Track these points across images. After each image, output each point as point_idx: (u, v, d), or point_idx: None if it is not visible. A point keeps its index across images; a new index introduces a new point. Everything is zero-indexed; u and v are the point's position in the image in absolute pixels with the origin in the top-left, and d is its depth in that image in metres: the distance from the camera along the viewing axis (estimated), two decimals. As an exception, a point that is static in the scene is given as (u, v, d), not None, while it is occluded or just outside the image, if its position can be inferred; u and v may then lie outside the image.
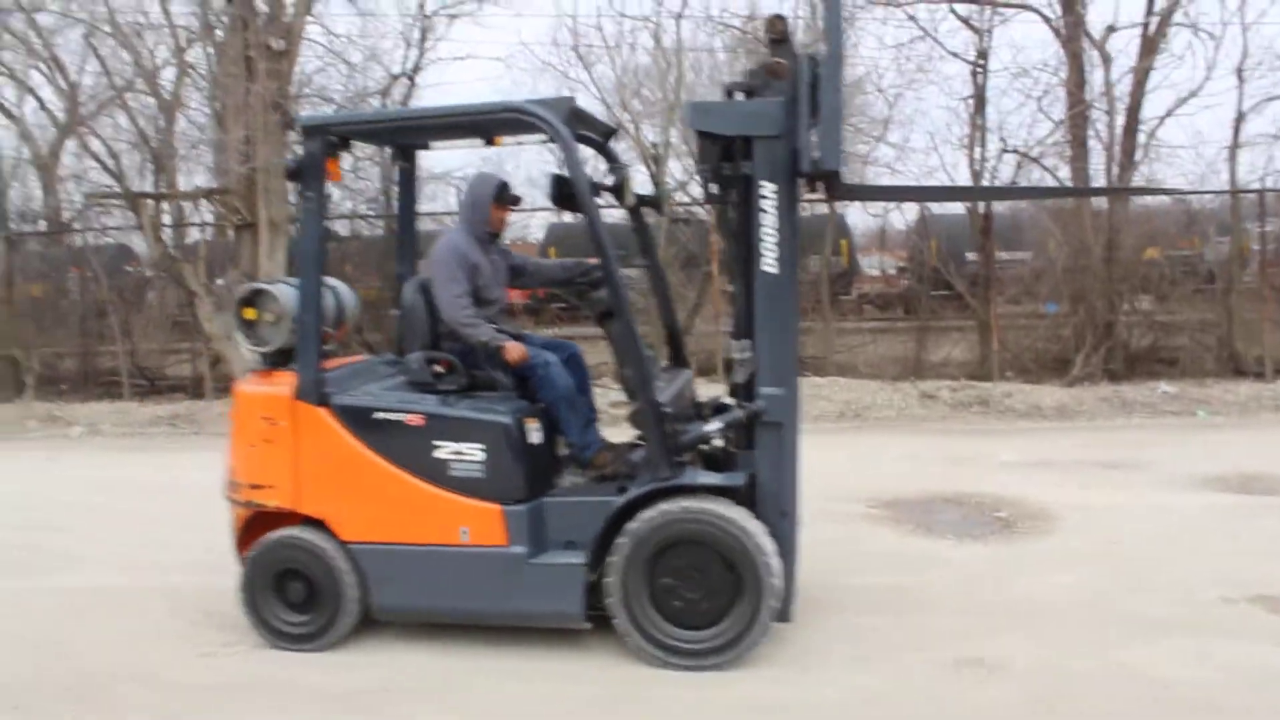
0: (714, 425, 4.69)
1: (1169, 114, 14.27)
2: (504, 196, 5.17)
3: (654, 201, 5.35)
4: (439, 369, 4.96)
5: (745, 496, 4.66)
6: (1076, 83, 14.43)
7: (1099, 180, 14.48)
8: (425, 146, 5.58)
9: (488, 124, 4.98)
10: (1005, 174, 14.55)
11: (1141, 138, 14.41)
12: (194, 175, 14.22)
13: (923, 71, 15.31)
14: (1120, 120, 14.39)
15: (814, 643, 4.84)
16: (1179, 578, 5.64)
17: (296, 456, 4.86)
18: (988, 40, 14.59)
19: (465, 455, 4.72)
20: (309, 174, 4.83)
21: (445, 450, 4.74)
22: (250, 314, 5.10)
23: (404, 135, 5.39)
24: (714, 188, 4.74)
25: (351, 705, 4.43)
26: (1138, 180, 14.53)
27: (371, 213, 15.41)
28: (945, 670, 4.53)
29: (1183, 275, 14.77)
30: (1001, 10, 14.80)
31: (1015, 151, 14.46)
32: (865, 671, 4.56)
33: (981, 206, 14.76)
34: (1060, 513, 7.03)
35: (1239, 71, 14.30)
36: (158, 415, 12.74)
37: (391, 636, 5.06)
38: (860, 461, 8.85)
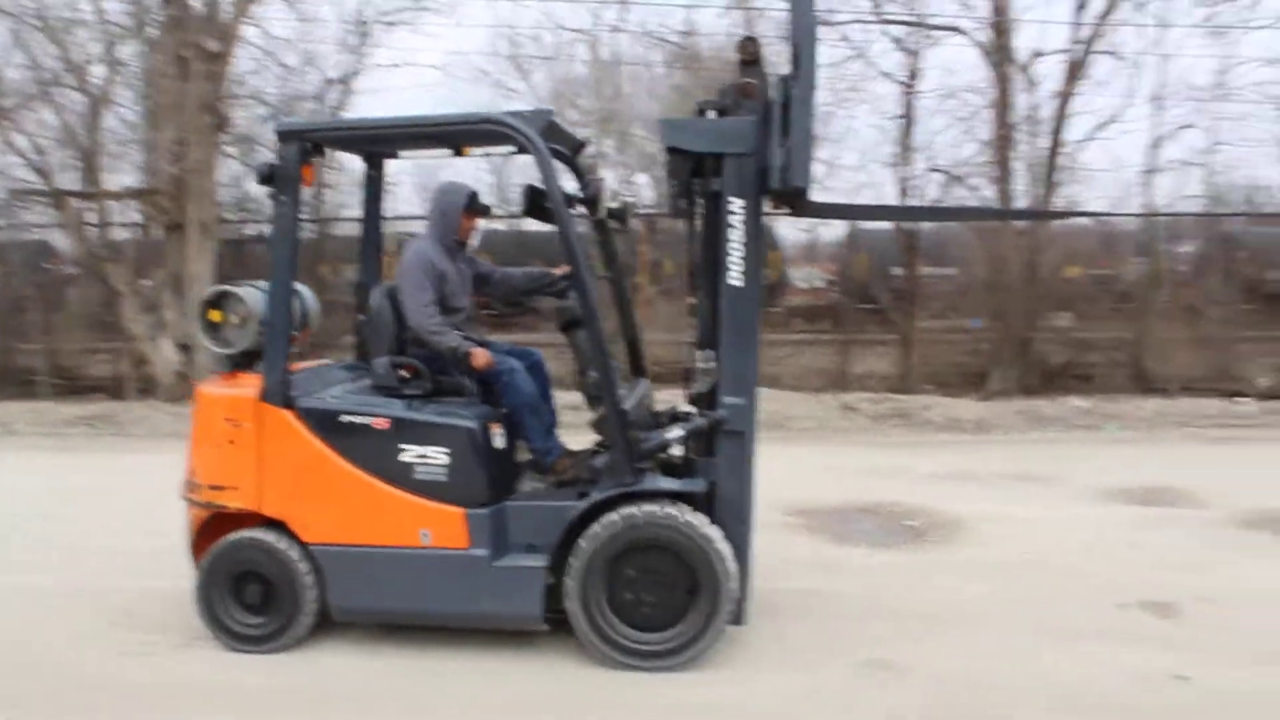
0: (676, 432, 4.85)
1: (1089, 138, 14.89)
2: (474, 206, 5.28)
3: (620, 214, 5.47)
4: (404, 374, 5.05)
5: (702, 502, 4.81)
6: (1003, 105, 14.80)
7: (1021, 201, 14.92)
8: (395, 155, 5.64)
9: (465, 134, 5.08)
10: (931, 193, 14.93)
11: (1064, 160, 14.86)
12: (122, 174, 13.98)
13: (854, 91, 15.73)
14: (1044, 143, 14.82)
15: (738, 645, 5.00)
16: (1082, 586, 5.93)
17: (260, 458, 4.90)
18: (918, 62, 15.01)
19: (429, 459, 4.81)
20: (283, 179, 4.88)
21: (410, 454, 4.82)
22: (216, 316, 5.14)
23: (380, 143, 5.44)
24: (683, 202, 4.90)
25: (279, 705, 4.52)
26: (1059, 201, 14.94)
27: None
28: (864, 672, 4.75)
29: (1099, 294, 15.28)
30: (932, 33, 15.20)
31: (941, 171, 14.87)
32: (790, 673, 4.74)
33: (907, 223, 15.15)
34: (971, 523, 7.28)
35: (1156, 99, 14.95)
36: (76, 415, 12.47)
37: (350, 639, 5.13)
38: (779, 471, 8.93)
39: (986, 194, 14.99)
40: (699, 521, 4.68)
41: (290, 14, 14.72)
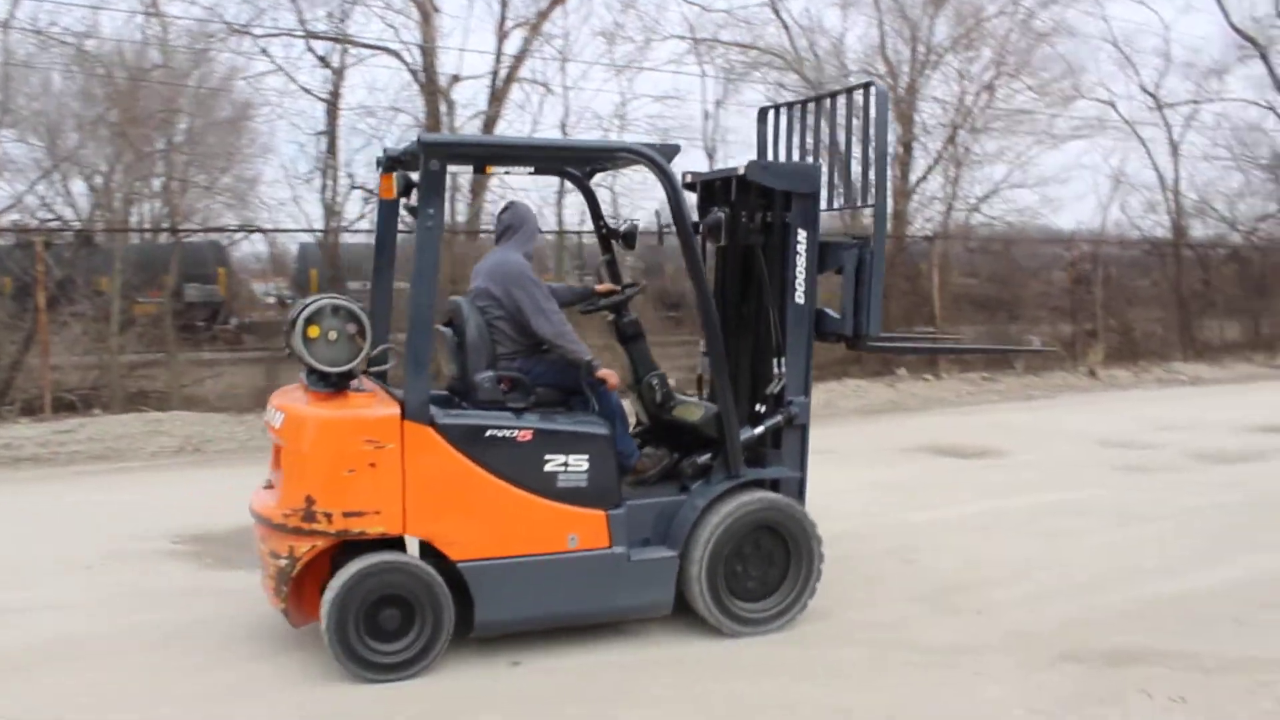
0: (760, 429, 5.72)
1: None
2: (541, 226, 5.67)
3: (629, 236, 6.06)
4: (503, 387, 5.34)
5: (769, 486, 5.77)
6: (432, 126, 15.85)
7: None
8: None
9: (604, 159, 5.47)
10: (353, 210, 15.84)
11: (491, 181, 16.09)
12: None
13: (271, 105, 16.43)
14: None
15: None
16: None
17: (404, 479, 4.94)
18: (343, 79, 15.86)
19: (571, 466, 5.24)
20: (428, 191, 4.96)
21: (553, 463, 5.21)
22: (313, 331, 4.99)
23: (515, 162, 5.51)
24: (756, 234, 5.83)
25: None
26: (486, 220, 15.97)
27: None
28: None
29: None
30: (358, 51, 16.08)
31: (363, 189, 15.72)
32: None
33: (330, 236, 15.71)
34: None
35: (563, 126, 17.23)
36: None
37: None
38: (184, 497, 9.07)
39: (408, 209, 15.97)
40: (795, 503, 5.66)
41: None
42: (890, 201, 19.33)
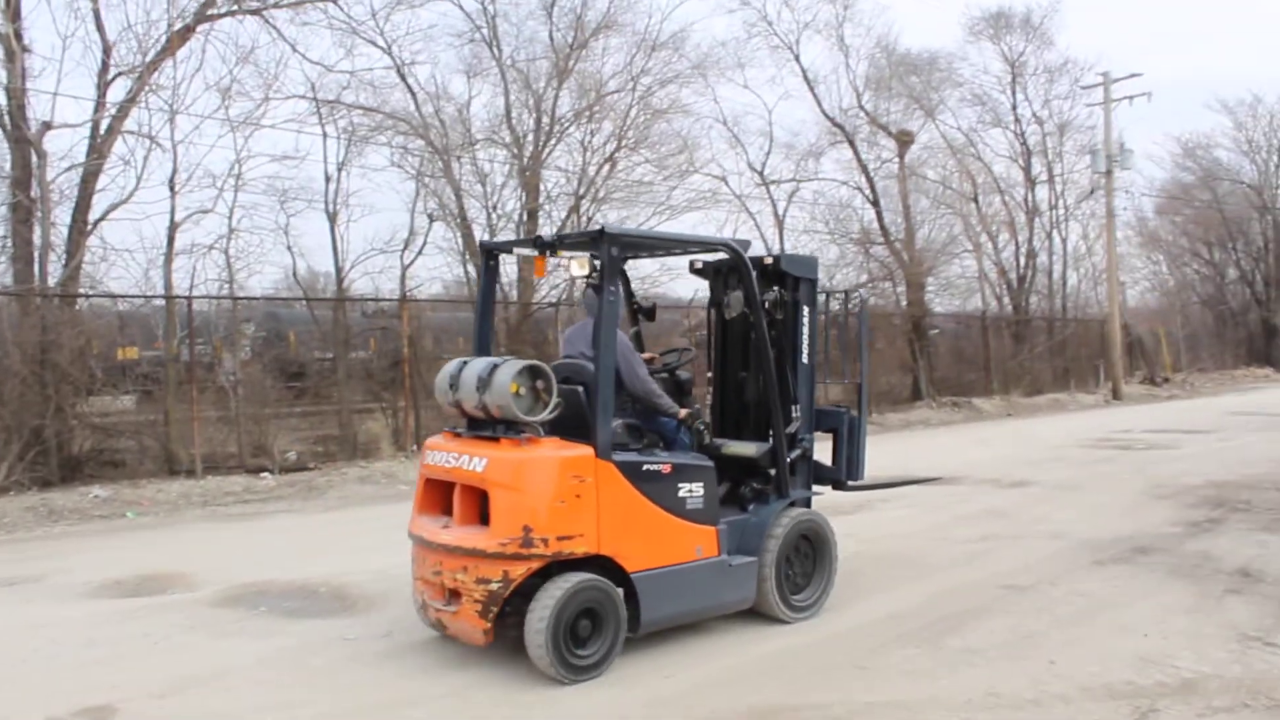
0: (789, 459, 7.51)
1: (103, 218, 16.42)
2: None
3: (649, 311, 7.78)
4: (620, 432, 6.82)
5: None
6: (21, 178, 15.41)
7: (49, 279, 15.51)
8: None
9: (705, 249, 7.07)
10: None
11: (88, 238, 16.08)
12: None
13: None
14: (66, 219, 15.95)
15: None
16: (13, 699, 6.05)
17: (599, 506, 6.33)
18: None
19: (694, 491, 6.87)
20: (610, 272, 6.38)
21: (684, 489, 6.83)
22: (514, 388, 6.21)
23: (653, 250, 6.85)
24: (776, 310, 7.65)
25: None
26: (85, 283, 16.13)
27: None
28: None
29: (124, 378, 16.44)
30: None
31: None
32: None
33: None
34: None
35: (170, 183, 17.30)
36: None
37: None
38: None
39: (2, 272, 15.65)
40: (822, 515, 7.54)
41: None
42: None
